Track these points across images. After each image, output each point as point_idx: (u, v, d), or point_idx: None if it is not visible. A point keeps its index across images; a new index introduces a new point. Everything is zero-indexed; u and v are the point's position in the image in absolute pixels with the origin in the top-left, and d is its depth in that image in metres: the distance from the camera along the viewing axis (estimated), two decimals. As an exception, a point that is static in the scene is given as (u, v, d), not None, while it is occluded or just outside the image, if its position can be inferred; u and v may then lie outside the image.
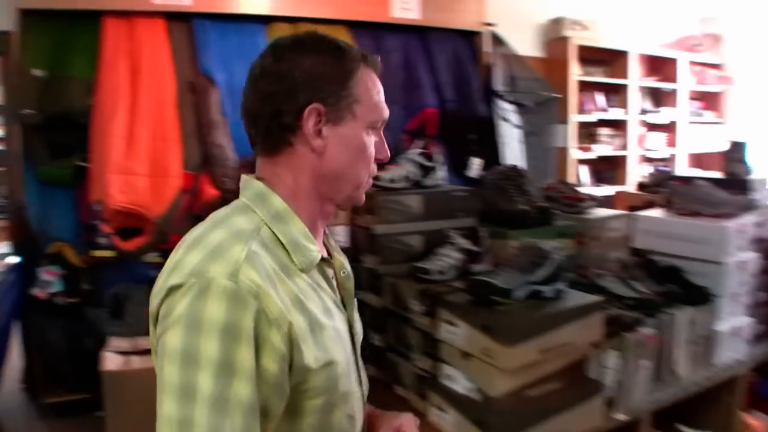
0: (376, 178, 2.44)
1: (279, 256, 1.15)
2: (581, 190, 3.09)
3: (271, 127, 1.20)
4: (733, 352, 2.72)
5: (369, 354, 2.56)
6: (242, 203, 1.22)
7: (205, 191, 3.95)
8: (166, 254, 1.15)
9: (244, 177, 1.26)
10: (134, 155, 3.78)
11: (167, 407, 1.00)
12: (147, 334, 1.19)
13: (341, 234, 2.77)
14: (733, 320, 2.75)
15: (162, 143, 3.87)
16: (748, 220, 2.76)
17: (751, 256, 2.79)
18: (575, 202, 2.90)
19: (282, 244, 1.18)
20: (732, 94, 7.28)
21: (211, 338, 1.00)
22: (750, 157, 3.20)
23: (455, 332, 2.06)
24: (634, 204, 3.75)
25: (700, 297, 2.61)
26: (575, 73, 5.85)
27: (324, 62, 1.21)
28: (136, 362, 3.06)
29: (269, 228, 1.18)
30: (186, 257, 1.08)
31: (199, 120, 4.01)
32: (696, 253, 2.70)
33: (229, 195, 2.35)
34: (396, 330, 2.44)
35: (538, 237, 2.51)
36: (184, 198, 3.86)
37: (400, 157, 2.58)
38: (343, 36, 4.27)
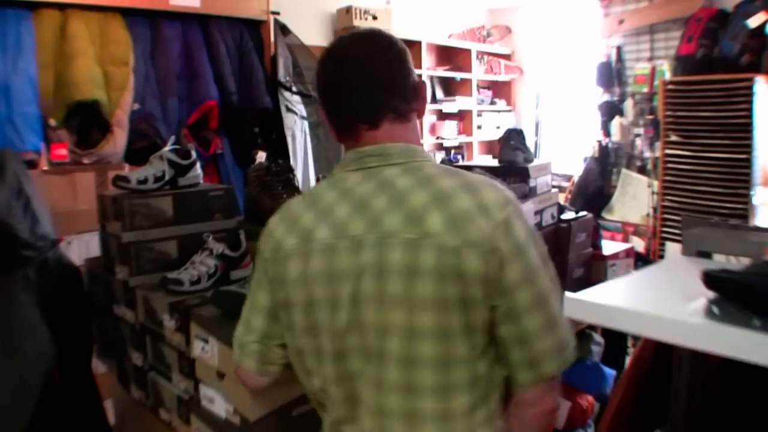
0: (123, 179, 2.15)
1: None
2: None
3: (409, 96, 1.37)
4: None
5: (131, 374, 2.30)
6: (430, 160, 1.36)
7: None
8: None
9: (389, 144, 1.33)
10: None
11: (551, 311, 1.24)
12: None
13: (93, 242, 2.45)
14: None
15: None
16: (526, 208, 2.69)
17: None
18: None
19: None
20: (521, 83, 7.44)
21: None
22: (529, 143, 3.16)
23: (208, 349, 1.81)
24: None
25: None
26: (366, 63, 5.71)
27: None
28: None
29: None
30: (483, 198, 1.23)
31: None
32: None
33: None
34: (154, 348, 2.16)
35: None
36: None
37: (153, 155, 2.30)
38: (118, 26, 3.93)
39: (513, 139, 3.05)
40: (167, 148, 2.29)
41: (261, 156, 4.25)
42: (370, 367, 1.25)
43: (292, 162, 4.56)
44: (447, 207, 1.21)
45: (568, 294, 1.09)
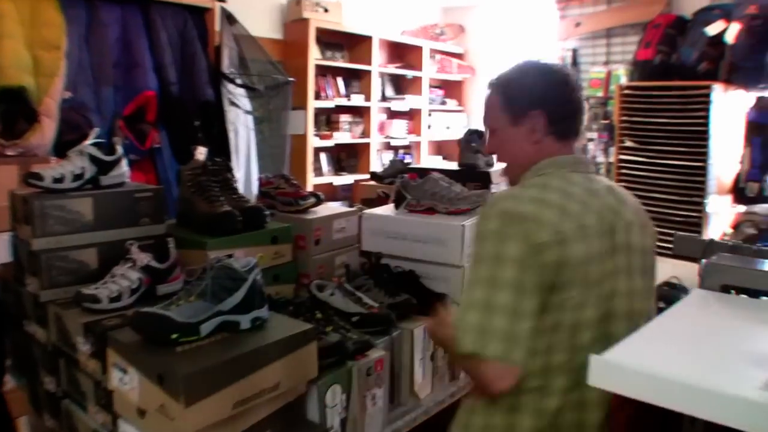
0: (35, 177, 1.85)
1: None
2: (323, 185, 2.63)
3: None
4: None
5: (44, 400, 2.00)
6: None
7: None
8: None
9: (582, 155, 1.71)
10: None
11: None
12: None
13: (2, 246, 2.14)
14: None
15: None
16: (488, 215, 2.45)
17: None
18: (295, 199, 2.44)
19: None
20: (473, 83, 7.26)
21: None
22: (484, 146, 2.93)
23: (127, 381, 1.52)
24: (368, 196, 3.40)
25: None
26: (315, 57, 5.43)
27: None
28: None
29: None
30: (632, 200, 1.63)
31: None
32: (432, 255, 2.34)
33: None
34: (68, 373, 1.86)
35: (247, 243, 2.05)
36: None
37: (72, 150, 1.98)
38: (50, 7, 3.57)
39: (474, 141, 2.81)
40: (89, 141, 1.98)
41: (201, 152, 3.94)
42: (630, 324, 1.45)
43: (233, 159, 4.27)
44: (630, 202, 1.60)
45: (594, 358, 0.84)
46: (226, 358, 1.44)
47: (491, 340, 1.33)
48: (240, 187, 3.91)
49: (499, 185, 2.73)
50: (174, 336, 1.45)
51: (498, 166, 2.82)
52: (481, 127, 2.96)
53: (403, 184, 2.53)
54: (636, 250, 1.53)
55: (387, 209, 2.59)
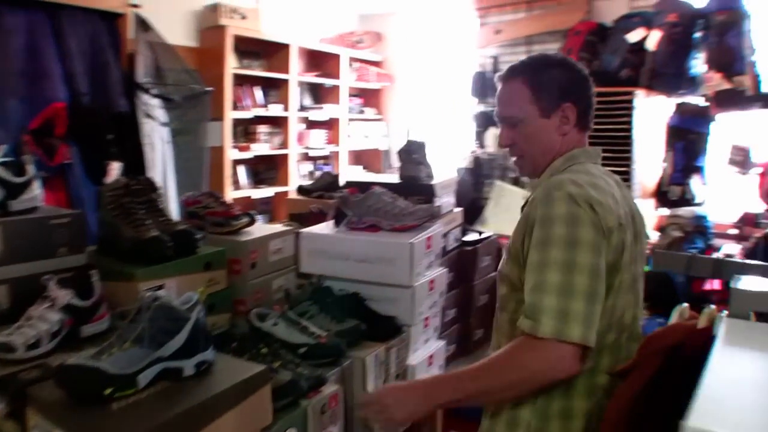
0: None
1: None
2: (242, 198, 2.41)
3: None
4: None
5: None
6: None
7: None
8: None
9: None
10: None
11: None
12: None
13: None
14: (426, 349, 2.29)
15: None
16: (434, 230, 2.30)
17: (439, 273, 2.34)
18: (226, 219, 2.22)
19: None
20: (392, 91, 7.13)
21: None
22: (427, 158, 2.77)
23: (51, 444, 1.29)
24: (297, 211, 3.20)
25: (387, 329, 2.09)
26: (232, 65, 5.18)
27: None
28: None
29: None
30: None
31: None
32: (378, 275, 2.17)
33: None
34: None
35: (179, 271, 1.84)
36: None
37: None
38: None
39: (415, 151, 2.64)
40: (-5, 162, 1.72)
41: (115, 167, 3.67)
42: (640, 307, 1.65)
43: (150, 175, 4.00)
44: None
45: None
46: (171, 414, 1.22)
47: (573, 323, 1.35)
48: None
49: (442, 198, 2.57)
50: (107, 391, 1.23)
51: (440, 179, 2.67)
52: (420, 138, 2.83)
53: (343, 199, 2.34)
54: (641, 239, 1.62)
55: (326, 227, 2.40)
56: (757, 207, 4.37)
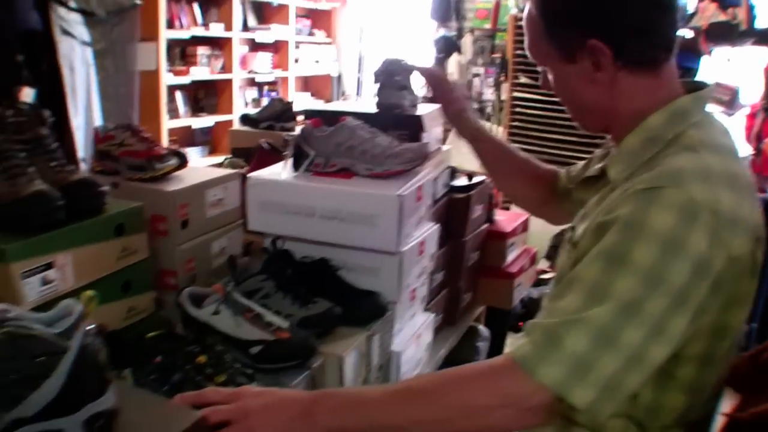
0: None
1: None
2: (180, 129, 1.83)
3: None
4: (414, 368, 1.80)
5: None
6: None
7: None
8: None
9: None
10: None
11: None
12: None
13: None
14: (412, 326, 1.79)
15: None
16: (425, 177, 1.75)
17: (430, 231, 1.82)
18: (148, 160, 1.61)
19: None
20: (343, 13, 6.65)
21: None
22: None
23: None
24: (241, 146, 2.67)
25: (369, 310, 1.57)
26: (166, -24, 4.60)
27: None
28: None
29: None
30: None
31: None
32: (353, 238, 1.61)
33: None
34: None
35: (76, 243, 1.30)
36: None
37: None
38: None
39: (398, 73, 2.06)
40: None
41: (27, 94, 3.08)
42: None
43: (69, 103, 3.40)
44: None
45: None
46: None
47: (587, 383, 0.92)
48: (80, 139, 3.10)
49: (430, 133, 2.02)
50: None
51: (428, 108, 2.10)
52: (402, 57, 2.25)
53: (305, 134, 1.74)
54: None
55: (282, 171, 1.77)
56: (744, 150, 4.06)
